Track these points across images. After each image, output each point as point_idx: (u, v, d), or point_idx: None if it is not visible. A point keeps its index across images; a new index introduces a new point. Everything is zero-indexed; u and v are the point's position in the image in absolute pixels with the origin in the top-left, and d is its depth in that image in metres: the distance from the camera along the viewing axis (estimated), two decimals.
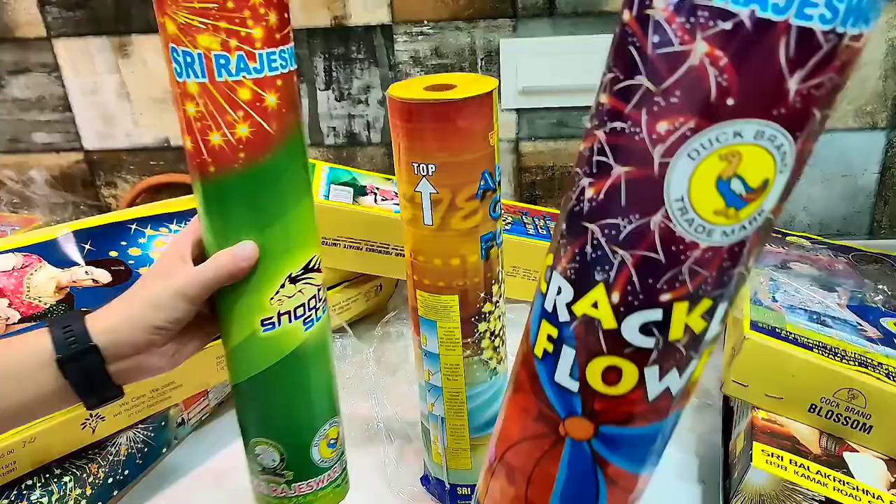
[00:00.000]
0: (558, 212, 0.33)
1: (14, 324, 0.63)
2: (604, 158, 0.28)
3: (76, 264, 0.70)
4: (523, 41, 0.94)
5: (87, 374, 0.44)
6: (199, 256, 0.48)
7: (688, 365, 0.30)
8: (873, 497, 0.51)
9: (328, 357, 0.52)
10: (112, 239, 0.75)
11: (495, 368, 0.57)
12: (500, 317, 0.56)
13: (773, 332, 0.59)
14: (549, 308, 0.31)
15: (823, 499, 0.51)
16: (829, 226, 1.02)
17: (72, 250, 0.71)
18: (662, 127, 0.25)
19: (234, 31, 0.41)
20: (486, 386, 0.57)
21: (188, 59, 0.42)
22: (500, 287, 0.55)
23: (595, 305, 0.29)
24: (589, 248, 0.29)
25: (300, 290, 0.48)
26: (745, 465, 0.53)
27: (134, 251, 0.75)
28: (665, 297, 0.28)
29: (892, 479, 0.54)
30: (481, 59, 0.97)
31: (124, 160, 1.10)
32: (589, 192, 0.29)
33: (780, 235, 0.87)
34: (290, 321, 0.48)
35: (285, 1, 0.43)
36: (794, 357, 0.57)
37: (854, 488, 0.52)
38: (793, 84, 0.24)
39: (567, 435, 0.32)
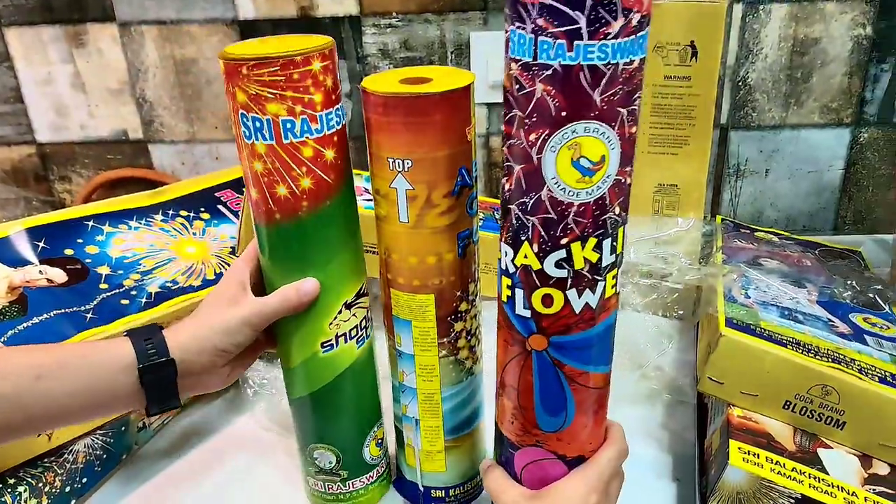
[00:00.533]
0: None
1: None
2: (509, 163, 0.42)
3: (30, 263, 0.67)
4: (494, 34, 0.93)
5: (161, 383, 0.49)
6: (258, 285, 0.54)
7: (596, 285, 0.44)
8: (848, 493, 0.51)
9: (375, 366, 0.58)
10: (68, 236, 0.72)
11: (471, 368, 0.56)
12: (475, 316, 0.55)
13: (748, 329, 0.59)
14: (503, 267, 0.46)
15: (799, 496, 0.51)
16: (796, 221, 1.03)
17: (25, 248, 0.68)
18: (532, 137, 0.40)
19: (299, 99, 0.45)
20: (461, 386, 0.56)
21: (257, 125, 0.46)
22: (476, 285, 0.54)
23: (526, 256, 0.43)
24: (514, 221, 0.43)
25: (354, 314, 0.54)
26: (722, 464, 0.53)
27: (91, 249, 0.72)
28: (564, 241, 0.42)
29: (866, 475, 0.54)
30: (451, 53, 0.96)
31: (79, 153, 1.06)
32: (506, 186, 0.43)
33: (749, 231, 0.87)
34: (345, 341, 0.54)
35: (336, 64, 0.48)
36: (770, 354, 0.57)
37: (829, 485, 0.52)
38: (597, 97, 0.38)
39: (532, 349, 0.46)
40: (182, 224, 0.80)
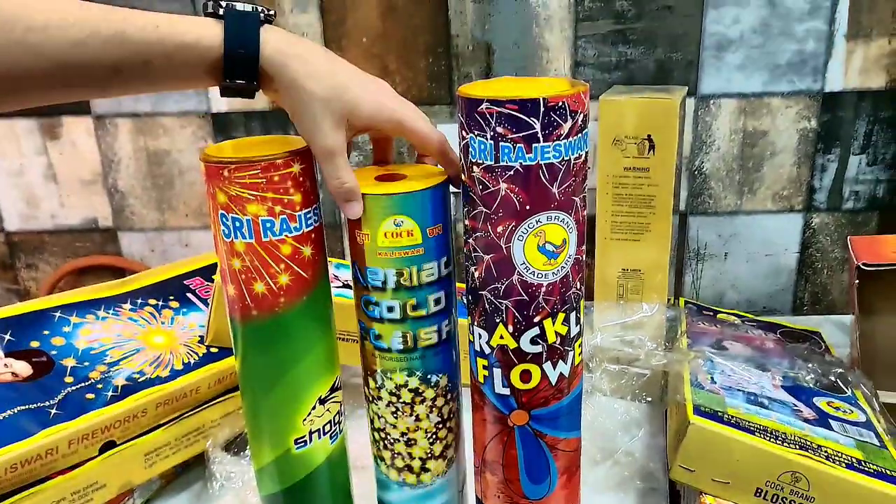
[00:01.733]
0: None
1: None
2: (477, 253, 0.47)
3: None
4: None
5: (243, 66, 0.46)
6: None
7: (567, 356, 0.48)
8: None
9: (347, 459, 0.58)
10: (34, 328, 0.71)
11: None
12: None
13: (715, 417, 0.60)
14: (478, 349, 0.49)
15: None
16: (756, 303, 1.06)
17: None
18: (500, 229, 0.45)
19: (279, 199, 0.46)
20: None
21: (237, 224, 0.47)
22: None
23: (501, 337, 0.47)
24: (487, 305, 0.47)
25: (327, 409, 0.53)
26: None
27: (57, 341, 0.71)
28: (537, 319, 0.46)
29: None
30: None
31: (47, 242, 1.05)
32: (475, 274, 0.47)
33: (711, 313, 0.89)
34: (319, 437, 0.54)
35: (314, 165, 0.49)
36: (739, 442, 0.57)
37: None
38: (555, 189, 0.44)
39: (514, 424, 0.49)
40: (150, 313, 0.79)
